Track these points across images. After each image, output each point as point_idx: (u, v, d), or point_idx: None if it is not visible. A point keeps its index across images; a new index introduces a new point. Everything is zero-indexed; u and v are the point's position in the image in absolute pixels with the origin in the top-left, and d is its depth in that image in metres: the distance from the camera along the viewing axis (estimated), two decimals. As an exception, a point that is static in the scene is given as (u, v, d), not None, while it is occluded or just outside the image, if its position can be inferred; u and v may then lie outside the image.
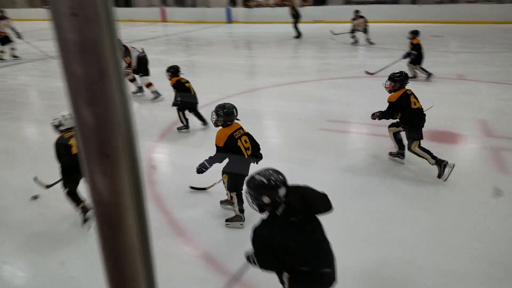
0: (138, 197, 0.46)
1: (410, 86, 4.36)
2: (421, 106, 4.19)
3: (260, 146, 3.42)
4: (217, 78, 9.10)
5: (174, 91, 5.55)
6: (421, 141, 4.14)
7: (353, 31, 12.31)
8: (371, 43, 12.21)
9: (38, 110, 7.20)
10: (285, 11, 19.39)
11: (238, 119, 3.38)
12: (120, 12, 22.85)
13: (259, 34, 16.65)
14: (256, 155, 3.37)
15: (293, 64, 10.71)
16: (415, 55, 7.66)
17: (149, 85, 7.14)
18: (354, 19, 12.24)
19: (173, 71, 5.59)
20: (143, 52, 7.12)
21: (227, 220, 3.40)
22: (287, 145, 5.19)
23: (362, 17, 12.15)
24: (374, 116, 4.38)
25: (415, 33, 7.77)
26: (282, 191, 1.99)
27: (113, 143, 0.42)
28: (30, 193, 3.95)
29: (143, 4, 24.96)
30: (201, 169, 3.29)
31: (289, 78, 8.49)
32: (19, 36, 11.19)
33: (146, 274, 0.48)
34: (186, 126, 5.61)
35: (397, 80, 4.20)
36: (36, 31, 18.68)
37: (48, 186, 3.69)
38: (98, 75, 0.39)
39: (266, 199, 2.00)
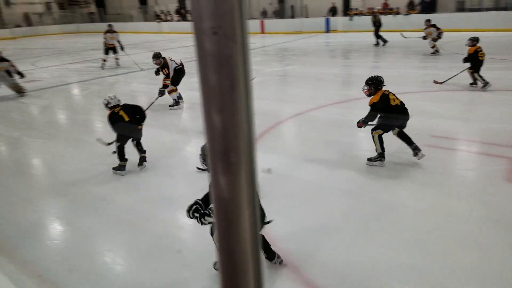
0: (252, 195, 0.51)
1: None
2: (401, 102, 4.50)
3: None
4: (311, 88, 9.10)
5: None
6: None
7: (424, 38, 12.18)
8: (436, 51, 12.12)
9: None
10: (388, 19, 18.65)
11: None
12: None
13: (359, 43, 16.25)
14: None
15: (393, 74, 10.15)
16: (465, 60, 7.68)
17: (172, 91, 7.55)
18: (425, 28, 12.08)
19: None
20: (181, 65, 7.64)
21: None
22: (386, 160, 4.92)
23: (433, 26, 11.95)
24: (360, 124, 4.61)
25: (473, 40, 7.59)
26: None
27: (236, 147, 0.48)
28: (131, 189, 4.40)
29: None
30: None
31: (389, 88, 8.09)
32: (122, 48, 12.74)
33: (255, 267, 0.53)
34: None
35: (371, 84, 4.58)
36: (148, 43, 20.71)
37: (108, 144, 4.97)
38: (229, 86, 0.45)
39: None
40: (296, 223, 3.63)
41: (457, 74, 7.85)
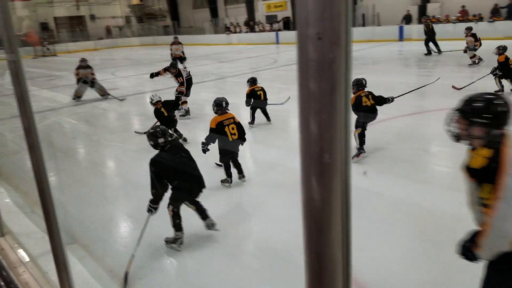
0: (346, 198, 0.51)
1: None
2: (371, 104, 5.11)
3: (245, 132, 4.67)
4: (381, 97, 8.75)
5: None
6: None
7: (465, 51, 11.51)
8: (474, 62, 11.35)
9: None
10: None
11: (228, 110, 4.65)
12: (283, 35, 24.49)
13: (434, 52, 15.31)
14: (242, 138, 4.64)
15: (474, 86, 9.40)
16: (498, 70, 7.88)
17: (183, 102, 8.10)
18: (465, 36, 11.46)
19: (252, 81, 7.02)
20: (189, 75, 8.48)
21: (222, 181, 4.65)
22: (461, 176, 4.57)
23: (473, 35, 11.27)
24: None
25: (501, 49, 7.91)
26: (161, 140, 3.37)
27: (331, 148, 0.48)
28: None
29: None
30: (204, 148, 4.49)
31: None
32: (184, 58, 13.61)
33: (345, 271, 0.53)
34: (252, 122, 7.10)
35: (353, 85, 5.15)
36: (217, 54, 21.39)
37: (145, 133, 5.73)
38: (329, 89, 0.46)
39: (151, 142, 3.41)
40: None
41: (475, 81, 8.15)
